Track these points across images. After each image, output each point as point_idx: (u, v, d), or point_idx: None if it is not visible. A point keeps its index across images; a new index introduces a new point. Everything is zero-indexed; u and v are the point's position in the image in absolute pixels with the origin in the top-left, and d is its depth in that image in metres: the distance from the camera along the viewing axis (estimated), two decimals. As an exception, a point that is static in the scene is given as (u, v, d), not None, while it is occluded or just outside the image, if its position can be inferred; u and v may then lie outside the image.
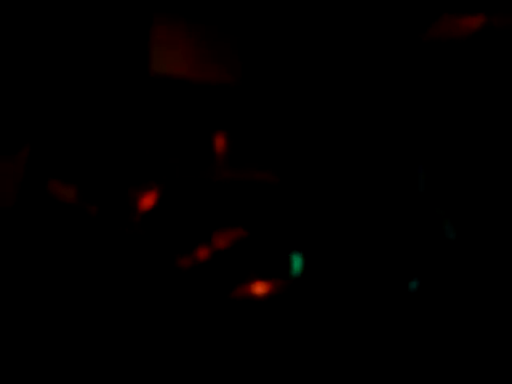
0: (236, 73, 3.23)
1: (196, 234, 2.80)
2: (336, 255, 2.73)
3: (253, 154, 3.21)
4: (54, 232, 2.62)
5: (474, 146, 2.71)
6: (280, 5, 3.12)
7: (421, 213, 2.67)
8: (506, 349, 2.32)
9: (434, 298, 2.52)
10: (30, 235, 2.60)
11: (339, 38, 3.04)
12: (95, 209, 2.63)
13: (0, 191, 2.64)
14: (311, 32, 3.11)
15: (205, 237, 2.78)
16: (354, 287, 2.66)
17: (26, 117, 2.80)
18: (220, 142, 3.15)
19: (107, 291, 2.51)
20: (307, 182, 2.96)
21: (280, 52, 3.21)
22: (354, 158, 2.85)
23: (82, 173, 2.80)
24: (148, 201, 2.62)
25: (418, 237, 2.67)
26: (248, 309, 2.63)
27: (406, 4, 2.88)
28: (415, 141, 2.79)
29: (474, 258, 2.53)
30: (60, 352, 2.37)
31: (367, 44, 2.97)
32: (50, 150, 2.76)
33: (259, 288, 2.67)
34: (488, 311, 2.44)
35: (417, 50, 2.87)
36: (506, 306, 2.43)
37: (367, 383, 2.40)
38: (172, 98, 3.13)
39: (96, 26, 2.92)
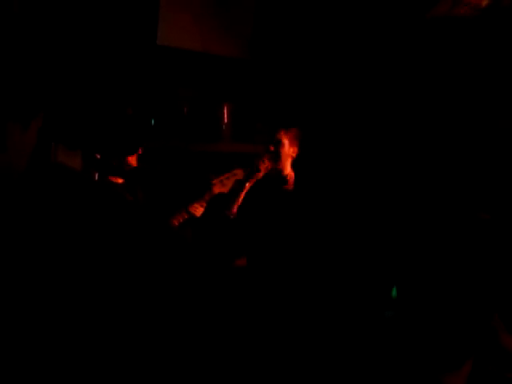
0: (245, 47, 3.24)
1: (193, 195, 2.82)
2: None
3: (257, 127, 3.23)
4: (60, 197, 2.69)
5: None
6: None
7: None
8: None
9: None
10: (38, 200, 2.67)
11: (344, 17, 3.02)
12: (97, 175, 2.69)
13: (14, 158, 2.73)
14: (318, 9, 3.09)
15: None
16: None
17: (37, 84, 2.86)
18: (225, 114, 3.18)
19: (109, 253, 2.54)
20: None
21: (290, 29, 3.20)
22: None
23: (87, 140, 2.86)
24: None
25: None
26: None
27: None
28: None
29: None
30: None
31: (372, 24, 2.94)
32: (58, 117, 2.83)
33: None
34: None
35: (421, 29, 2.81)
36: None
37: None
38: (179, 69, 3.17)
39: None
